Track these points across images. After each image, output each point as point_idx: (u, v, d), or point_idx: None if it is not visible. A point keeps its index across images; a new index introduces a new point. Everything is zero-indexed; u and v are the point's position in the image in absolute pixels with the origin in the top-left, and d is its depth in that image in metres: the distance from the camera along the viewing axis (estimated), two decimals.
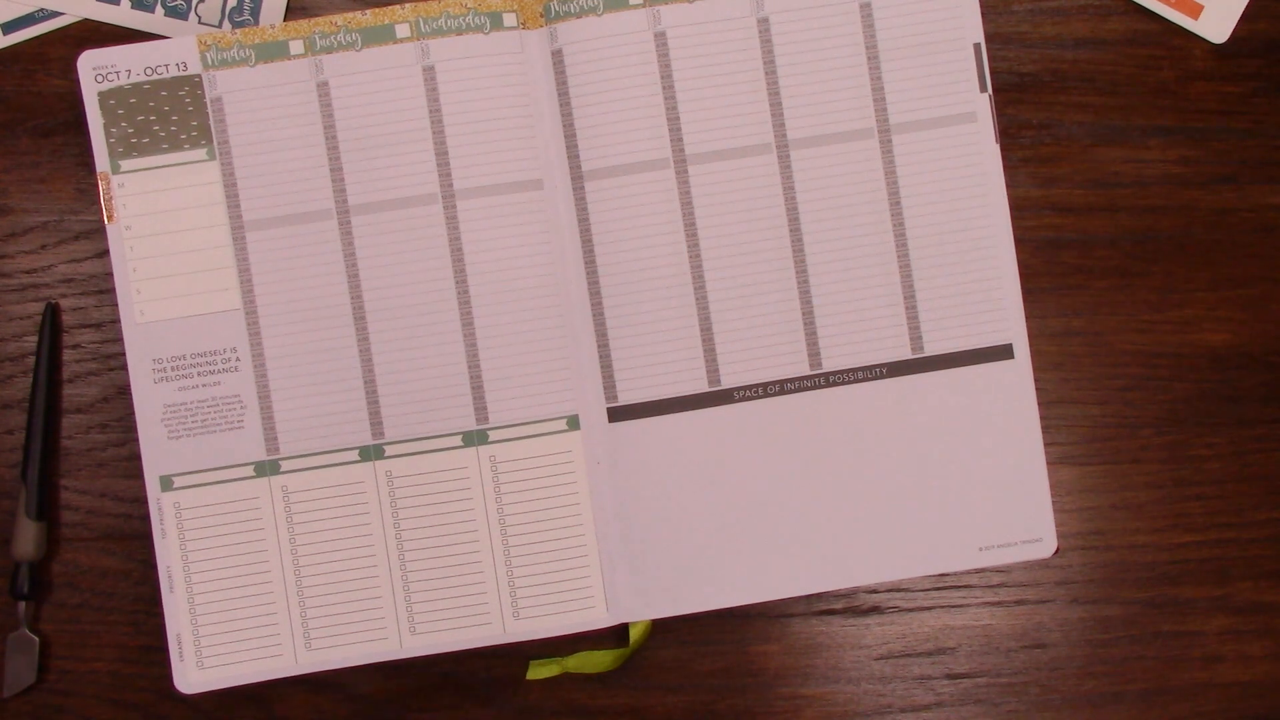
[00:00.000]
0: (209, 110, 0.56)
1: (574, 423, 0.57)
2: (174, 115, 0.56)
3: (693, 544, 0.56)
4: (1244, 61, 0.59)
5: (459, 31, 0.56)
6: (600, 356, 0.57)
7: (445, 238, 0.56)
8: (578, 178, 0.56)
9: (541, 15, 0.56)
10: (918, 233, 0.57)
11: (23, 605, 0.57)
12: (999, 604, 0.59)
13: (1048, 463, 0.58)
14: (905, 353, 0.57)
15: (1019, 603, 0.59)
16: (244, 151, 0.56)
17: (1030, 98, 0.59)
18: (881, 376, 0.57)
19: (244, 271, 0.56)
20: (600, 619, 0.57)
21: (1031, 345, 0.58)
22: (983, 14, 0.58)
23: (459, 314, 0.56)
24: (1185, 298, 0.59)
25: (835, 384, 0.57)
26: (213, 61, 0.56)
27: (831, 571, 0.57)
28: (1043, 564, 0.59)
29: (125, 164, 0.56)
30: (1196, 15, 0.59)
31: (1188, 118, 0.59)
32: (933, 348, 0.57)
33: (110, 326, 0.58)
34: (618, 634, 0.59)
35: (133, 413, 0.56)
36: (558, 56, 0.56)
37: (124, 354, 0.56)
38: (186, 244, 0.56)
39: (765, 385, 0.57)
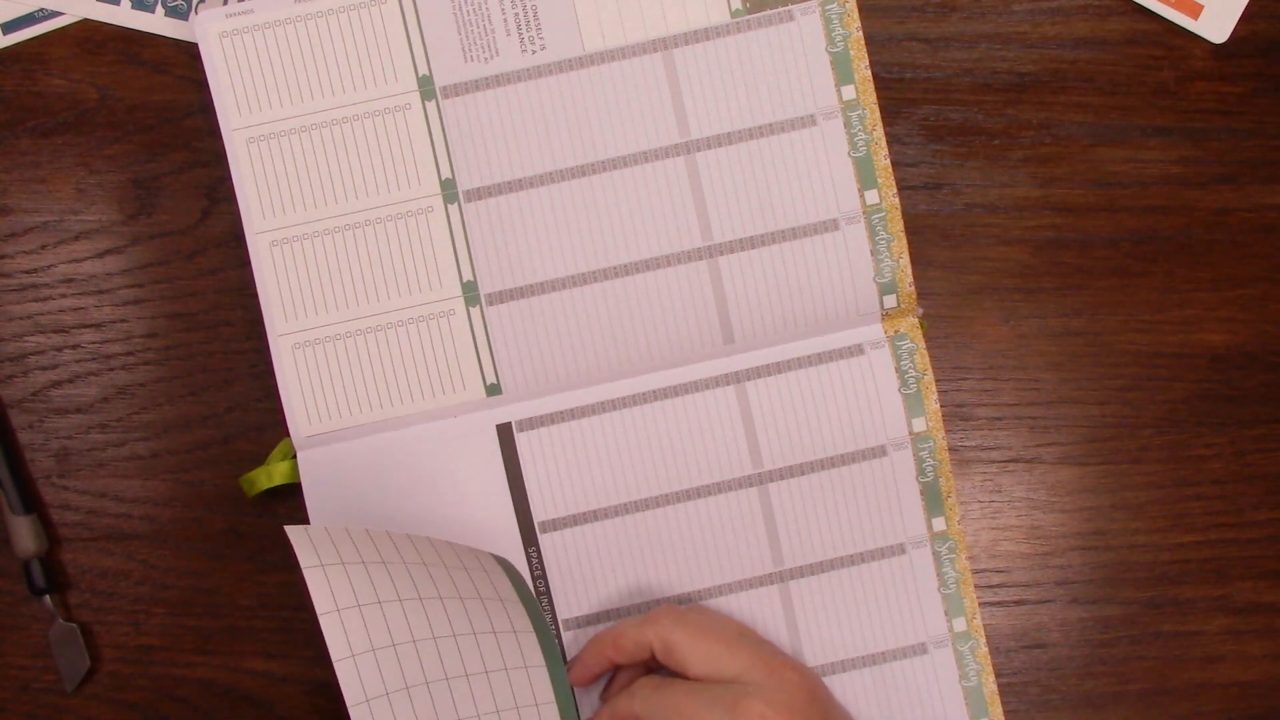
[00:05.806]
0: None
1: None
2: None
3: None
4: (1244, 61, 0.59)
5: None
6: None
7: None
8: None
9: None
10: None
11: (48, 599, 0.57)
12: (999, 604, 0.59)
13: (1048, 463, 0.58)
14: None
15: (1019, 603, 0.59)
16: None
17: (1030, 98, 0.59)
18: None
19: None
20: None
21: (1031, 345, 0.58)
22: (982, 14, 0.58)
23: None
24: (1185, 298, 0.59)
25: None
26: None
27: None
28: (1043, 564, 0.59)
29: None
30: (1196, 15, 0.59)
31: (1188, 118, 0.59)
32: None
33: (110, 326, 0.58)
34: None
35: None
36: None
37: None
38: None
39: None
